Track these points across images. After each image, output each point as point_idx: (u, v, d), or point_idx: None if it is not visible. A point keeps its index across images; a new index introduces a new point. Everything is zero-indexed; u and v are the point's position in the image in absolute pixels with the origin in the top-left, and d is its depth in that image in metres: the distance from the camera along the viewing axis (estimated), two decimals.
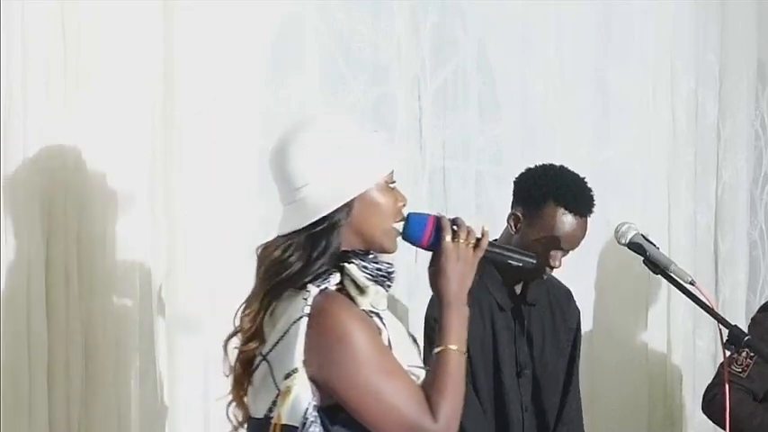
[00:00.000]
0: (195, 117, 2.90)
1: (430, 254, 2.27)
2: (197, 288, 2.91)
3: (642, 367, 4.18)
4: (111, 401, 2.78)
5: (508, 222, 3.08)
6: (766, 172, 4.79)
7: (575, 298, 3.33)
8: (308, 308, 2.07)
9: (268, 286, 2.14)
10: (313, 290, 2.09)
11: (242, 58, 3.01)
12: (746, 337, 2.70)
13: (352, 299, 2.14)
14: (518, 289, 3.12)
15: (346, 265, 2.14)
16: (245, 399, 2.21)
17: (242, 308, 2.18)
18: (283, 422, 2.06)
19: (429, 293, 2.33)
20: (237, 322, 2.19)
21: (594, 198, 3.10)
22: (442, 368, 2.14)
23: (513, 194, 3.11)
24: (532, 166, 3.15)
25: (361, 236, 2.17)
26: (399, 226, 2.22)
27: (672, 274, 2.64)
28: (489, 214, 3.66)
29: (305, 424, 2.06)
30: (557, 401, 3.17)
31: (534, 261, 2.40)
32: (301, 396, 2.06)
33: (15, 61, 2.62)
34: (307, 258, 2.11)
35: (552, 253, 3.01)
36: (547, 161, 3.18)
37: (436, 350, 2.17)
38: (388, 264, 2.20)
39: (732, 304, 4.52)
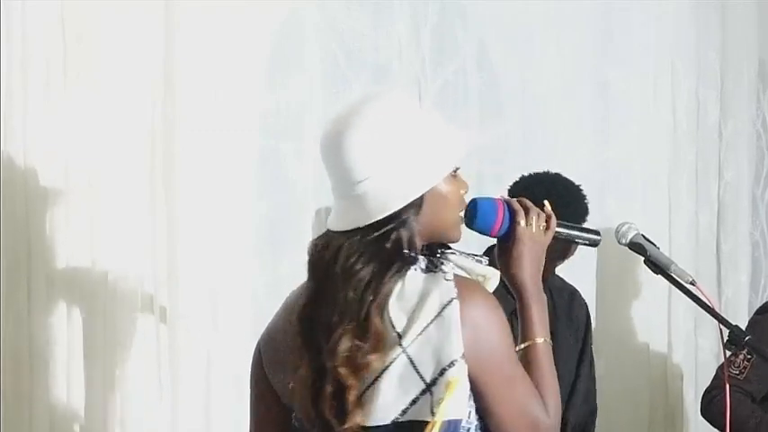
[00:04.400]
0: (195, 117, 2.90)
1: None
2: (197, 288, 2.91)
3: (643, 367, 4.17)
4: (112, 401, 2.79)
5: None
6: None
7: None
8: (455, 291, 1.89)
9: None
10: (449, 271, 1.92)
11: (242, 57, 3.02)
12: (747, 338, 2.69)
13: None
14: None
15: (451, 255, 1.97)
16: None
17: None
18: (450, 418, 1.87)
19: None
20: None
21: (588, 205, 3.09)
22: (536, 364, 2.01)
23: None
24: (527, 174, 3.13)
25: (427, 230, 1.96)
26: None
27: (672, 275, 2.62)
28: None
29: (470, 413, 1.91)
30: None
31: (600, 237, 2.23)
32: (463, 385, 1.89)
33: (15, 61, 2.62)
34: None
35: None
36: (547, 161, 3.17)
37: (522, 345, 2.02)
38: (474, 254, 2.06)
39: (735, 305, 4.51)
